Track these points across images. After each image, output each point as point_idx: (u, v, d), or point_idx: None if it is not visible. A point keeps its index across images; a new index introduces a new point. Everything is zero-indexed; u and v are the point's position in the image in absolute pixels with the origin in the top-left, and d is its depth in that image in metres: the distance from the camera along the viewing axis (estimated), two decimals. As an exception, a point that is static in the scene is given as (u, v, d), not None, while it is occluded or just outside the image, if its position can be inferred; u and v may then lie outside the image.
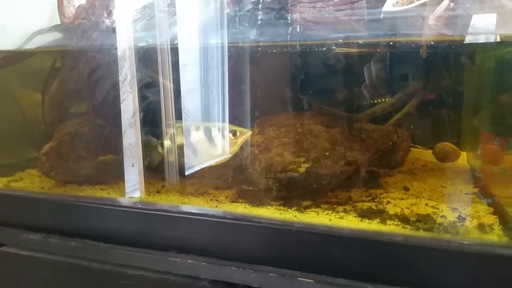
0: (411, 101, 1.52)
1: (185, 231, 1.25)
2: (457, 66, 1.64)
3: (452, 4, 1.42)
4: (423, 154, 1.98)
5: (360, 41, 1.24)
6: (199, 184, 1.56)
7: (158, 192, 1.53)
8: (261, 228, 1.19)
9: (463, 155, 1.90)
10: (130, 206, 1.34)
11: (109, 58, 1.41)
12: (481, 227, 1.23)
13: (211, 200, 1.44)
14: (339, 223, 1.26)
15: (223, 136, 1.42)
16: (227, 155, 1.42)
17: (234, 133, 1.40)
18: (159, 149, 1.49)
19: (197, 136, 1.43)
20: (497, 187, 1.53)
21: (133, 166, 1.45)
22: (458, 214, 1.32)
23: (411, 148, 1.88)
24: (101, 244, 1.33)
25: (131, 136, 1.46)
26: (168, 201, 1.43)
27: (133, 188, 1.59)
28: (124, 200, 1.41)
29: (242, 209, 1.36)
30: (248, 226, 1.20)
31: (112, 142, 1.57)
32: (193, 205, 1.39)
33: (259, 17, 1.21)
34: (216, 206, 1.38)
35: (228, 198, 1.44)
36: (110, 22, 1.42)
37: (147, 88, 1.54)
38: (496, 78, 1.59)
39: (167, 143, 1.48)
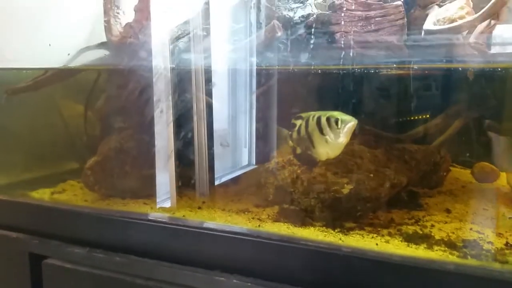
0: (456, 122, 1.50)
1: (230, 250, 1.26)
2: (500, 86, 1.62)
3: (493, 22, 1.41)
4: (462, 174, 1.95)
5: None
6: (238, 201, 1.57)
7: (199, 208, 1.54)
8: (307, 251, 1.19)
9: (503, 175, 1.86)
10: (174, 222, 1.36)
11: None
12: (530, 255, 1.20)
13: (253, 218, 1.45)
14: (387, 248, 1.25)
15: (329, 126, 1.29)
16: (336, 148, 1.32)
17: (336, 122, 1.27)
18: (289, 141, 1.45)
19: (312, 127, 1.35)
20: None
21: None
22: (506, 241, 1.29)
23: (451, 169, 1.85)
24: (146, 260, 1.35)
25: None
26: (210, 219, 1.44)
27: (164, 198, 1.63)
28: (168, 217, 1.43)
29: (285, 229, 1.36)
30: (294, 248, 1.20)
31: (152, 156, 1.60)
32: (235, 224, 1.40)
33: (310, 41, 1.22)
34: (259, 226, 1.38)
35: (270, 217, 1.45)
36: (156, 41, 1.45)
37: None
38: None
39: (294, 135, 1.43)
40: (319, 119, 1.31)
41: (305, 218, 1.41)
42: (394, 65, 1.20)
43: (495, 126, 1.63)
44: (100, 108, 1.74)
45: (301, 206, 1.44)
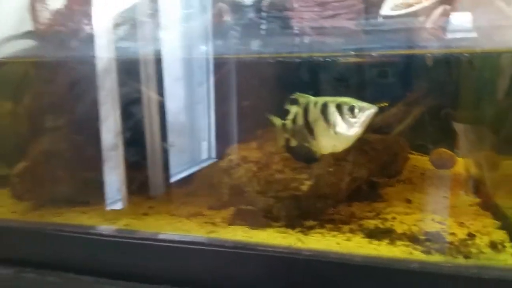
0: (415, 111, 1.45)
1: (179, 262, 1.14)
2: (458, 72, 1.58)
3: (448, 8, 1.36)
4: (420, 161, 1.92)
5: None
6: (190, 204, 1.45)
7: (145, 214, 1.41)
8: (265, 258, 1.09)
9: (460, 161, 1.85)
10: (115, 234, 1.22)
11: (91, 70, 1.28)
12: (493, 245, 1.17)
13: (205, 223, 1.33)
14: (348, 247, 1.17)
15: (341, 115, 1.08)
16: (346, 141, 1.11)
17: (351, 109, 1.06)
18: (282, 132, 1.22)
19: (314, 115, 1.13)
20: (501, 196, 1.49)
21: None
22: (468, 231, 1.26)
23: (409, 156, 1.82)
24: (84, 278, 1.20)
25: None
26: (157, 226, 1.31)
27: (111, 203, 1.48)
28: (107, 228, 1.29)
29: (241, 233, 1.25)
30: (250, 255, 1.10)
31: (94, 158, 1.44)
32: (186, 231, 1.28)
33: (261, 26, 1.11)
34: (212, 231, 1.27)
35: (225, 220, 1.34)
36: (92, 29, 1.28)
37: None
38: (494, 84, 1.54)
39: (289, 125, 1.20)
40: (325, 106, 1.10)
41: (263, 219, 1.32)
42: (351, 52, 1.11)
43: (452, 114, 1.60)
44: (28, 105, 1.55)
45: (258, 206, 1.34)
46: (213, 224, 1.32)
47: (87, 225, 1.34)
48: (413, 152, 1.95)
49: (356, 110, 1.05)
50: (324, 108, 1.10)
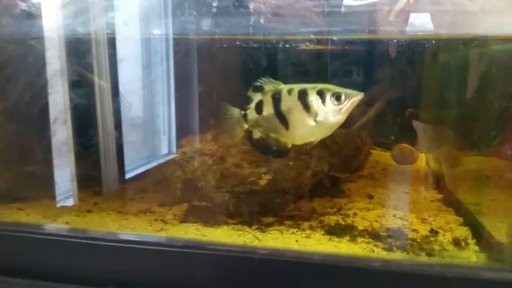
0: (377, 104, 1.40)
1: (123, 263, 1.03)
2: (420, 64, 1.55)
3: (411, 0, 1.33)
4: (382, 157, 1.90)
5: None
6: (140, 200, 1.34)
7: (89, 211, 1.29)
8: (218, 257, 1.00)
9: (422, 157, 1.83)
10: (55, 233, 1.09)
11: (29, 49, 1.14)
12: (456, 242, 1.14)
13: (155, 220, 1.22)
14: (308, 244, 1.10)
15: (323, 102, 1.00)
16: (327, 129, 1.04)
17: (337, 97, 0.99)
18: (242, 122, 1.08)
19: (289, 103, 1.04)
20: (462, 192, 1.47)
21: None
22: (430, 228, 1.22)
23: (371, 152, 1.78)
24: (17, 281, 1.07)
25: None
26: (101, 224, 1.19)
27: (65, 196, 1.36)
28: (48, 227, 1.16)
29: (193, 231, 1.16)
30: (201, 254, 1.01)
31: (32, 149, 1.31)
32: (132, 229, 1.17)
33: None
34: (162, 229, 1.17)
35: (176, 217, 1.24)
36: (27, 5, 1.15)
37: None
38: (458, 78, 1.53)
39: (252, 114, 1.07)
40: (303, 93, 1.01)
41: (218, 215, 1.23)
42: (311, 36, 1.04)
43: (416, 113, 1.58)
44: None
45: (213, 202, 1.25)
46: (164, 221, 1.22)
47: (22, 223, 1.21)
48: (376, 147, 1.93)
49: (342, 97, 0.98)
50: (303, 95, 1.01)
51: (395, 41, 1.13)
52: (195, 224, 1.19)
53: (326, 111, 1.00)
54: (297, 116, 1.03)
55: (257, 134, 1.10)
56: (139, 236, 1.12)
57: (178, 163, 1.30)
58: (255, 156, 1.25)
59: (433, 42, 1.16)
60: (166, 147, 1.98)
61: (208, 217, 1.21)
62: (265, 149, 1.12)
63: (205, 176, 1.24)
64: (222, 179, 1.22)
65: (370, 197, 1.47)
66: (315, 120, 1.01)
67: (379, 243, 1.13)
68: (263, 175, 1.23)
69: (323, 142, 1.40)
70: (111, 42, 1.39)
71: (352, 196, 1.49)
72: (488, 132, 1.37)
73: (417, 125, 1.67)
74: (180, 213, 1.26)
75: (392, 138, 1.71)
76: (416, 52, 1.37)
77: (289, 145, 1.08)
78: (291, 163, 1.25)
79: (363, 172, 1.72)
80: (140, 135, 1.91)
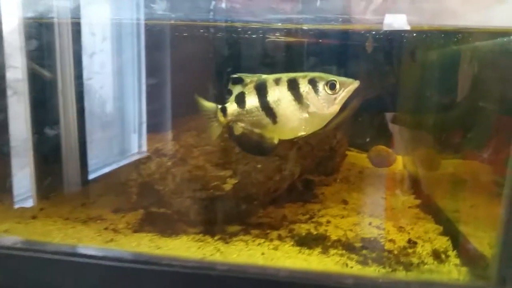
0: (352, 103, 1.30)
1: (61, 279, 0.90)
2: (398, 61, 1.46)
3: None
4: (358, 158, 1.80)
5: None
6: (92, 205, 1.21)
7: (34, 218, 1.14)
8: (171, 275, 0.88)
9: (399, 159, 1.75)
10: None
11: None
12: (435, 254, 1.05)
13: (106, 229, 1.09)
14: (275, 257, 1.00)
15: (316, 91, 0.90)
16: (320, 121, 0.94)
17: (332, 85, 0.90)
18: (220, 117, 0.96)
19: (277, 94, 0.93)
20: (441, 197, 1.38)
21: None
22: (408, 238, 1.13)
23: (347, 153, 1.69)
24: None
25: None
26: (44, 233, 1.05)
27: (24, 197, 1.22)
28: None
29: (147, 242, 1.03)
30: (153, 271, 0.89)
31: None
32: (77, 239, 1.03)
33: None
34: (112, 239, 1.03)
35: (130, 226, 1.11)
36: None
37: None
38: (436, 77, 1.45)
39: (232, 108, 0.94)
40: (293, 82, 0.91)
41: (177, 224, 1.10)
42: (279, 24, 0.92)
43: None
44: None
45: (172, 208, 1.12)
46: (115, 230, 1.09)
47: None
48: (352, 149, 1.84)
49: (337, 86, 0.89)
50: (293, 85, 0.91)
51: (373, 32, 1.03)
52: (149, 234, 1.07)
53: (319, 101, 0.90)
54: (286, 108, 0.92)
55: (238, 129, 0.97)
56: (83, 248, 0.99)
57: (134, 165, 1.16)
58: (220, 158, 1.13)
59: (412, 36, 1.07)
60: (136, 145, 1.84)
61: (166, 226, 1.09)
62: (249, 146, 1.00)
63: (163, 180, 1.11)
64: (182, 183, 1.10)
65: (345, 202, 1.38)
66: (307, 112, 0.91)
67: (353, 256, 1.03)
68: (228, 179, 1.11)
69: (294, 143, 1.30)
70: (75, 29, 1.24)
71: (326, 201, 1.39)
72: (466, 134, 1.30)
73: (393, 125, 1.58)
74: (134, 221, 1.13)
75: (368, 139, 1.62)
76: (393, 47, 1.28)
77: (276, 141, 0.96)
78: (259, 166, 1.13)
79: (338, 175, 1.62)
80: (108, 132, 1.77)
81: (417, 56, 1.49)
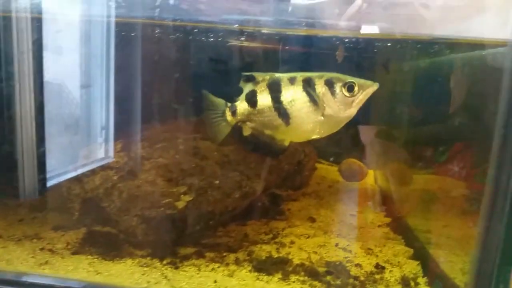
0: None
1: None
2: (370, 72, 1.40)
3: (365, 5, 1.17)
4: (329, 172, 1.73)
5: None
6: (31, 221, 1.08)
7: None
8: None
9: (371, 173, 1.68)
10: None
11: None
12: (405, 282, 0.97)
13: (41, 249, 0.97)
14: (228, 286, 0.90)
15: (333, 93, 0.85)
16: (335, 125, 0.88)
17: (350, 87, 0.84)
18: (227, 116, 0.88)
19: (291, 94, 0.87)
20: (412, 216, 1.32)
21: None
22: (376, 262, 1.05)
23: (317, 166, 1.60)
24: None
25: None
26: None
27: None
28: None
29: (86, 265, 0.92)
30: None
31: None
32: (8, 261, 0.91)
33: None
34: (46, 262, 0.91)
35: (69, 246, 0.99)
36: None
37: None
38: (408, 89, 1.38)
39: (242, 106, 0.88)
40: (308, 82, 0.86)
41: (122, 245, 0.99)
42: (235, 26, 0.83)
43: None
44: None
45: (118, 227, 1.01)
46: (52, 251, 0.97)
47: None
48: (323, 161, 1.76)
49: (356, 88, 0.83)
50: (309, 85, 0.85)
51: (345, 40, 0.95)
52: (90, 257, 0.95)
53: (336, 104, 0.85)
54: (301, 109, 0.87)
55: (247, 130, 0.90)
56: (7, 273, 0.86)
57: (78, 178, 1.04)
58: (174, 172, 1.02)
59: (386, 46, 1.00)
60: (102, 151, 1.70)
61: (109, 247, 0.97)
62: (258, 148, 0.98)
63: (108, 196, 1.00)
64: (129, 199, 0.99)
65: (312, 220, 1.29)
66: (322, 114, 0.85)
67: (316, 283, 0.94)
68: (182, 195, 1.01)
69: (261, 157, 1.21)
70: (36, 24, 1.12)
71: (292, 218, 1.30)
72: (436, 147, 1.23)
73: (365, 138, 1.51)
74: (75, 241, 1.01)
75: (339, 152, 1.55)
76: (365, 58, 1.21)
77: (287, 143, 0.91)
78: (218, 181, 1.03)
79: (307, 190, 1.54)
80: (72, 137, 1.63)
81: (390, 67, 1.43)
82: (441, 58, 1.22)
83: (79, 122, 1.44)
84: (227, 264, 0.98)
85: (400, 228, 1.27)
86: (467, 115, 1.08)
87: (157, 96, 1.03)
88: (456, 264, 1.00)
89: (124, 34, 0.90)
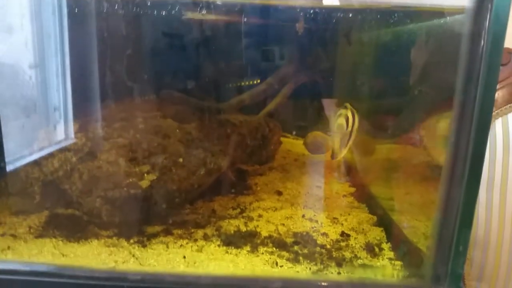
0: (284, 89, 1.22)
1: None
2: (332, 43, 1.39)
3: None
4: (294, 145, 1.74)
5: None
6: None
7: None
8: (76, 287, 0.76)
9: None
10: None
11: None
12: (369, 248, 1.00)
13: (2, 235, 0.94)
14: (198, 260, 0.90)
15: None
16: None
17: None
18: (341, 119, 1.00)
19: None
20: (376, 185, 1.36)
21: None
22: (341, 230, 1.08)
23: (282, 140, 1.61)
24: None
25: None
26: None
27: None
28: None
29: (50, 248, 0.90)
30: (52, 285, 0.76)
31: None
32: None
33: None
34: (8, 247, 0.89)
35: (32, 230, 0.96)
36: None
37: None
38: (370, 59, 1.40)
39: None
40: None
41: (87, 226, 0.97)
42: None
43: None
44: None
45: (82, 209, 0.99)
46: (13, 236, 0.94)
47: None
48: (288, 135, 1.78)
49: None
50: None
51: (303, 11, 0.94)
52: (54, 239, 0.93)
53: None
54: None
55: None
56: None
57: (36, 162, 1.01)
58: (135, 152, 1.00)
59: (348, 16, 1.00)
60: (62, 131, 1.63)
61: (74, 229, 0.95)
62: None
63: (68, 178, 0.97)
64: (91, 181, 0.97)
65: (279, 193, 1.31)
66: None
67: (284, 253, 0.96)
68: (145, 174, 0.99)
69: (224, 133, 1.21)
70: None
71: (259, 192, 1.31)
72: (398, 116, 1.26)
73: (329, 110, 1.53)
74: (37, 225, 0.98)
75: (303, 124, 1.56)
76: (327, 29, 1.21)
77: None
78: (181, 159, 1.02)
79: (273, 164, 1.55)
80: (25, 119, 1.55)
81: (352, 38, 1.43)
82: (401, 28, 1.24)
83: (31, 104, 1.38)
84: (196, 240, 0.98)
85: (364, 197, 1.31)
86: (428, 84, 1.11)
87: (113, 74, 0.99)
88: (418, 229, 1.04)
89: (78, 10, 0.85)
